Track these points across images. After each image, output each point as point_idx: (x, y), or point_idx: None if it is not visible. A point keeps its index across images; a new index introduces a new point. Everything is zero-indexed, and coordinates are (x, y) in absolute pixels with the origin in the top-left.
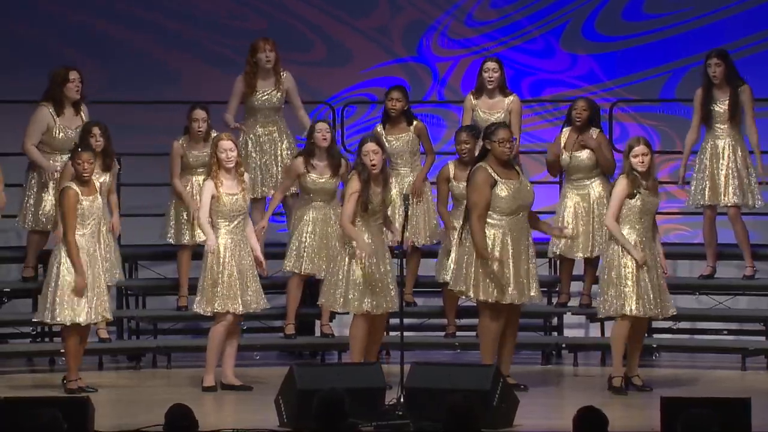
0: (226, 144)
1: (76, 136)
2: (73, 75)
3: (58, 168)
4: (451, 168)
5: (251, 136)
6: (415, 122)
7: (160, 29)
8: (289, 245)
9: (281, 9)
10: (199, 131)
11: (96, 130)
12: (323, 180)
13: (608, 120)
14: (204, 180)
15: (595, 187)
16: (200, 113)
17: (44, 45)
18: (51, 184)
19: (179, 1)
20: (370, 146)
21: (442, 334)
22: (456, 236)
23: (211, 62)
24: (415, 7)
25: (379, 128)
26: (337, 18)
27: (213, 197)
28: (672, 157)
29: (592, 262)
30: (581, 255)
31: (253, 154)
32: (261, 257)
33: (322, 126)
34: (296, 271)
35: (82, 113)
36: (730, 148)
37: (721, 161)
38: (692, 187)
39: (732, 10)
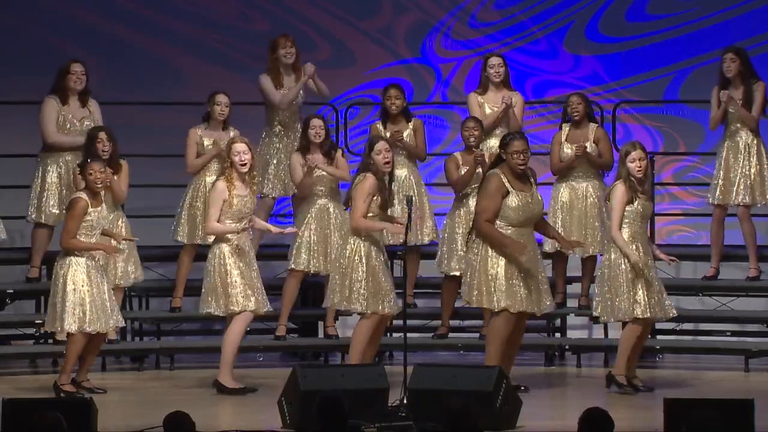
0: (240, 146)
1: (83, 135)
2: (75, 67)
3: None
4: (459, 157)
5: (271, 133)
6: (413, 119)
7: (164, 29)
8: (294, 243)
9: (284, 9)
10: (221, 114)
11: (102, 135)
12: (322, 174)
13: (612, 121)
14: (215, 180)
15: (591, 188)
16: (223, 98)
17: (45, 45)
18: (60, 175)
19: (183, 1)
20: (383, 145)
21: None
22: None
23: (216, 63)
24: (419, 9)
25: (379, 126)
26: (341, 19)
27: (224, 201)
28: (676, 158)
29: (588, 262)
30: (579, 254)
31: (268, 149)
32: (271, 227)
33: (316, 122)
34: (299, 268)
35: (90, 105)
36: (746, 148)
37: (737, 161)
38: (712, 186)
39: (736, 11)
